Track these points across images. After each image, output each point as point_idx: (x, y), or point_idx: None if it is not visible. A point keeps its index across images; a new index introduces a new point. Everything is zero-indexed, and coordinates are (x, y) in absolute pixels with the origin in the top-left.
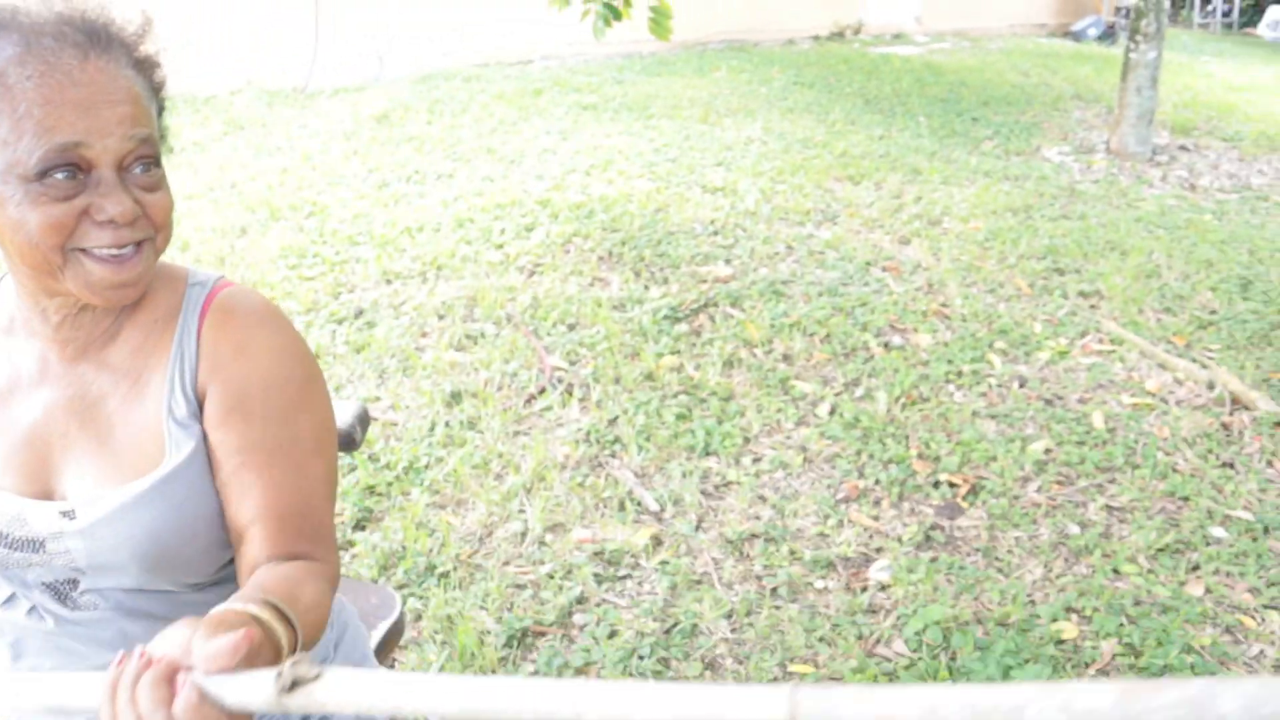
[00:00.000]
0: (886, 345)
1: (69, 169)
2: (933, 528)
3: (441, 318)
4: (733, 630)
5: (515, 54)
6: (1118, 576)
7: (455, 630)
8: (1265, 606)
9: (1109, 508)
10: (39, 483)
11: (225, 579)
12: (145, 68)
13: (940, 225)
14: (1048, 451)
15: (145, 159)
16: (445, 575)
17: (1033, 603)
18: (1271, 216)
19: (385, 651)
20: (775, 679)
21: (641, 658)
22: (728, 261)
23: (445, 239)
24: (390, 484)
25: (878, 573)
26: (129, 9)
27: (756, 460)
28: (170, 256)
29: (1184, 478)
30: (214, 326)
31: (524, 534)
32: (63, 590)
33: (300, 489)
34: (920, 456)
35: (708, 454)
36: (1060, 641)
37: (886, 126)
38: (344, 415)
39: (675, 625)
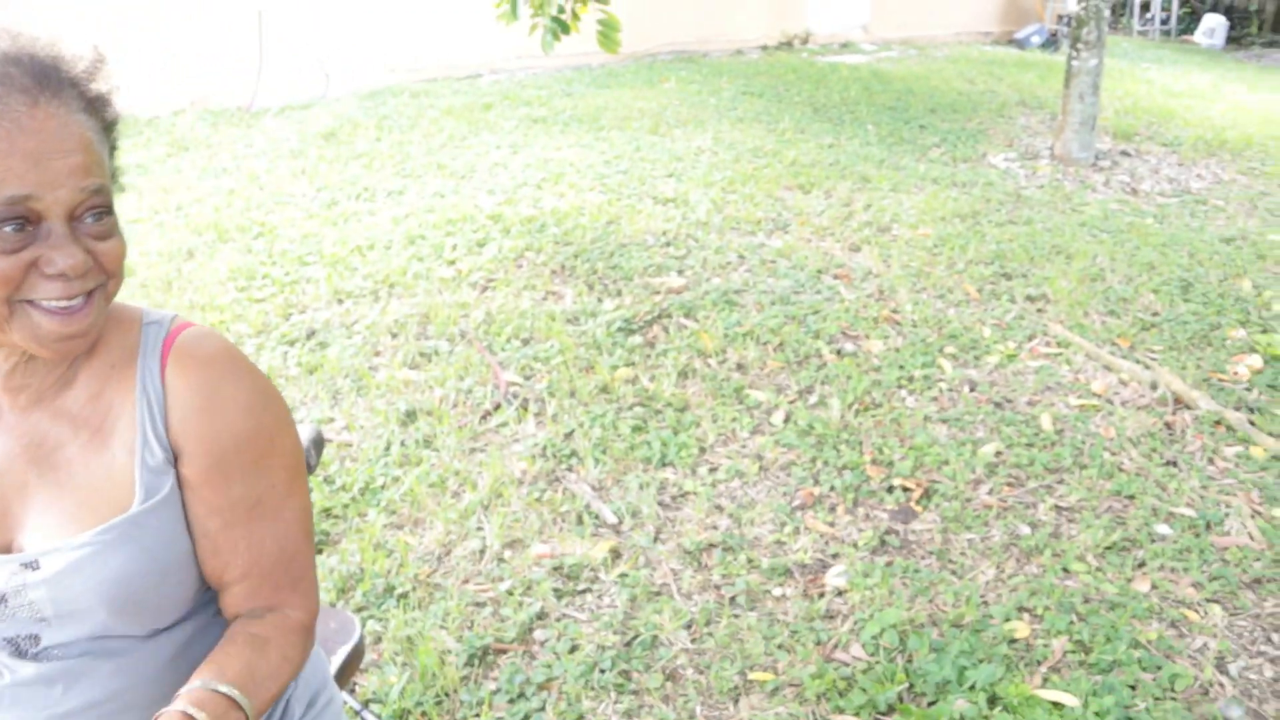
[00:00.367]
0: (839, 352)
1: (17, 222)
2: (887, 532)
3: (394, 336)
4: (693, 640)
5: (464, 68)
6: (1067, 575)
7: (416, 651)
8: (1208, 600)
9: (1058, 508)
10: None
11: (190, 616)
12: (97, 108)
13: (890, 232)
14: (998, 454)
15: (97, 208)
16: (404, 596)
17: (986, 603)
18: (1210, 219)
19: (345, 676)
20: (735, 688)
21: (603, 671)
22: (680, 272)
23: (396, 256)
24: (346, 506)
25: (834, 578)
26: (79, 41)
27: (713, 470)
28: None
29: (1129, 477)
30: (179, 373)
31: (482, 551)
32: (23, 645)
33: (281, 538)
34: (874, 462)
35: (664, 465)
36: (1013, 641)
37: (835, 135)
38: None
39: (635, 637)
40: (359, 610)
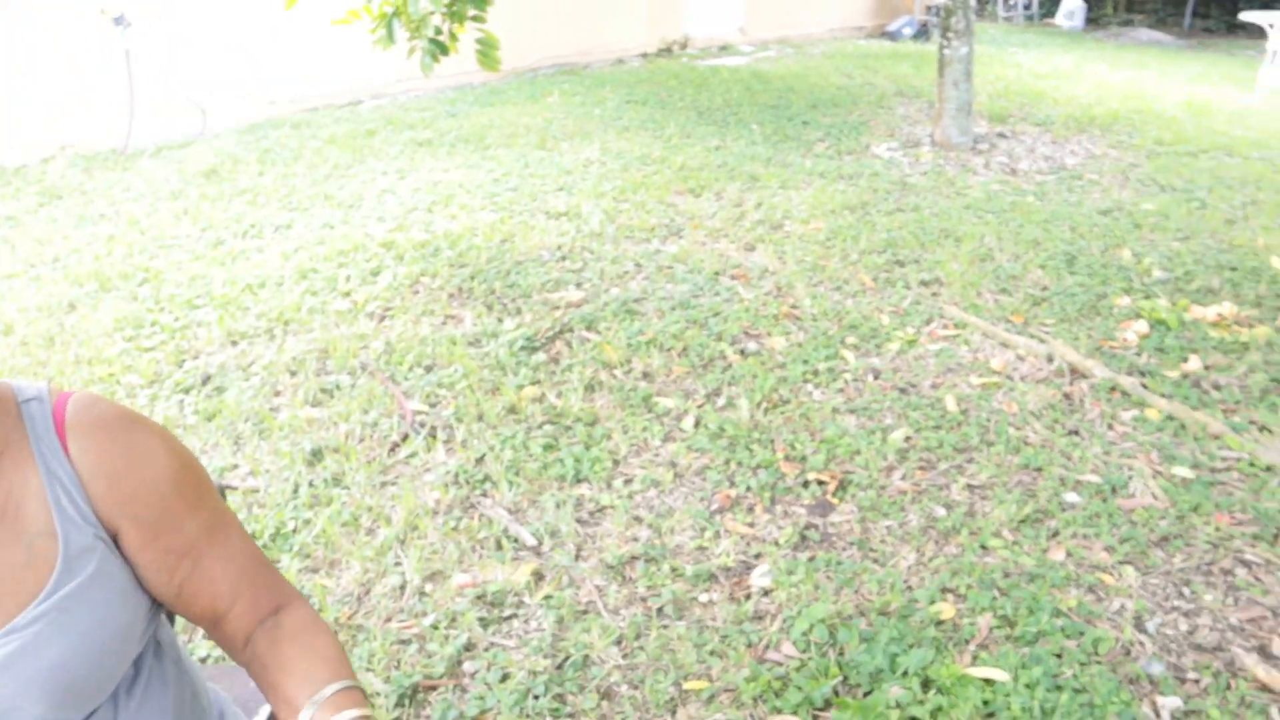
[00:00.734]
0: (743, 352)
1: None
2: (807, 527)
3: (293, 374)
4: (624, 656)
5: (344, 95)
6: (986, 552)
7: None
8: (1121, 563)
9: (970, 487)
10: None
11: (121, 687)
12: None
13: (782, 229)
14: (907, 439)
15: None
16: None
17: (910, 588)
18: (1087, 193)
19: None
20: (671, 699)
21: (536, 697)
22: (578, 285)
23: (289, 292)
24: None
25: (759, 579)
26: None
27: (628, 481)
28: None
29: (1035, 449)
30: (86, 448)
31: (403, 587)
32: None
33: (244, 546)
34: (787, 458)
35: (579, 481)
36: (940, 622)
37: (721, 137)
38: None
39: (567, 659)
40: None
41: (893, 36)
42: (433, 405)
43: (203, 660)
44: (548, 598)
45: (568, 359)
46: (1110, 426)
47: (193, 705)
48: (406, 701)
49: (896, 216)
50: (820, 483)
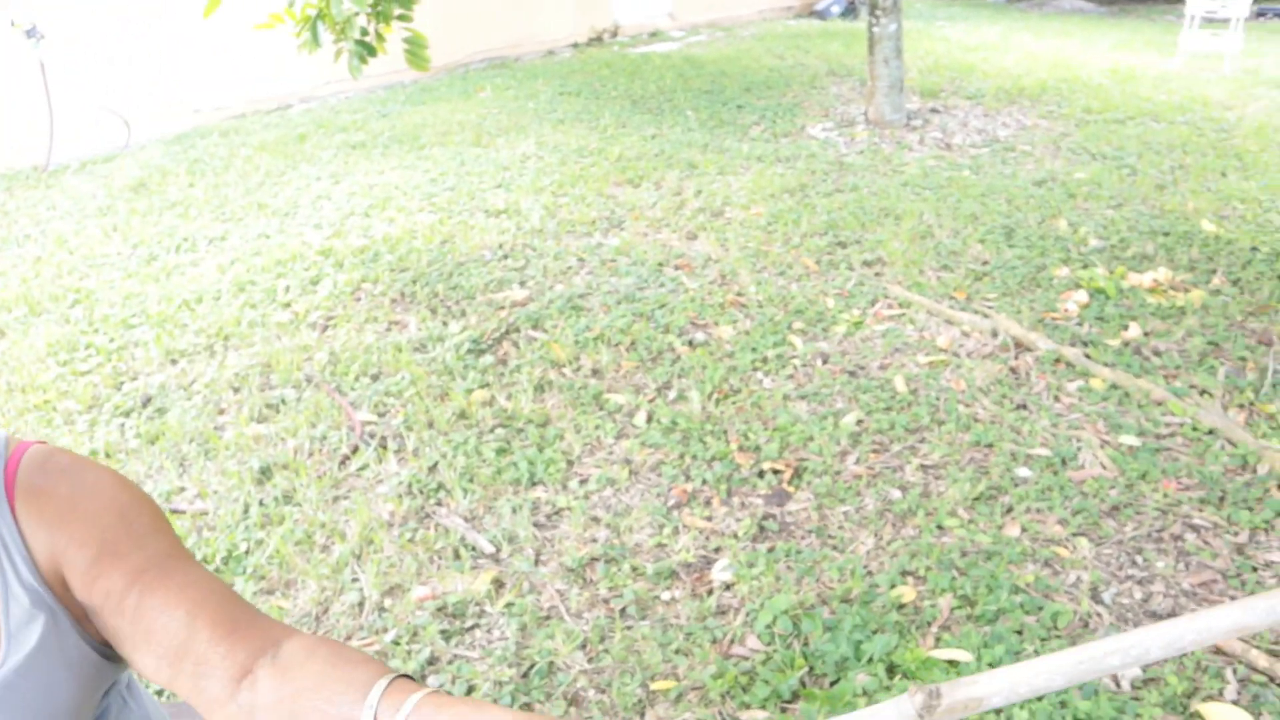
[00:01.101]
0: (691, 343)
1: None
2: (765, 518)
3: (237, 391)
4: (589, 660)
5: (272, 100)
6: (943, 532)
7: None
8: (1074, 534)
9: (924, 467)
10: None
11: None
12: None
13: (723, 216)
14: (859, 423)
15: None
16: None
17: (870, 573)
18: (1021, 165)
19: None
20: (639, 701)
21: None
22: (522, 284)
23: (228, 307)
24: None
25: (720, 573)
26: None
27: (583, 482)
28: None
29: (985, 426)
30: (31, 505)
31: (361, 603)
32: None
33: (208, 578)
34: (741, 449)
35: (534, 484)
36: (901, 606)
37: (657, 125)
38: None
39: (532, 667)
40: None
41: (821, 15)
42: (381, 415)
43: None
44: (509, 605)
45: (516, 360)
46: (1057, 398)
47: None
48: None
49: (836, 197)
50: (775, 472)
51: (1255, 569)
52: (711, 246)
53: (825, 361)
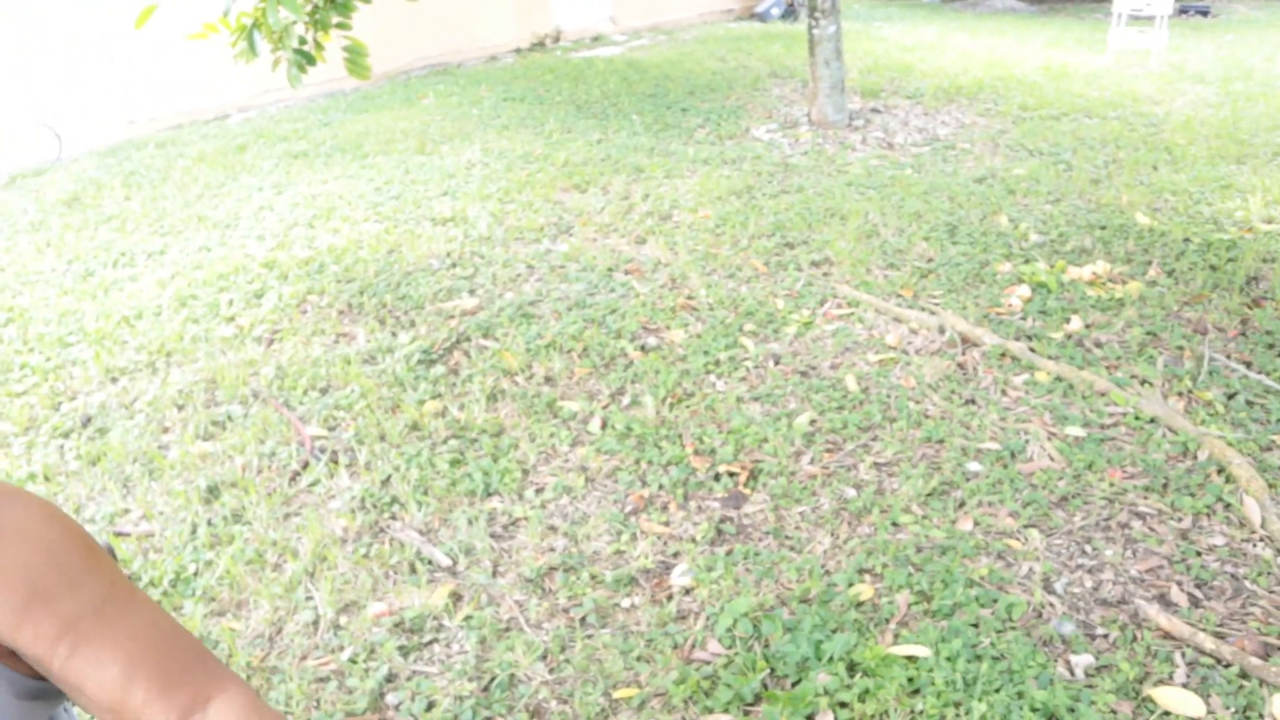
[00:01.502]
0: (643, 348)
1: None
2: (722, 521)
3: (181, 408)
4: (551, 671)
5: (210, 110)
6: (897, 529)
7: None
8: (1025, 526)
9: (877, 465)
10: None
11: None
12: None
13: (671, 219)
14: (812, 422)
15: None
16: None
17: (828, 572)
18: (961, 163)
19: None
20: (602, 710)
21: None
22: (471, 292)
23: (169, 322)
24: (159, 602)
25: (679, 578)
26: None
27: (539, 491)
28: None
29: (936, 422)
30: None
31: (316, 622)
32: None
33: (148, 625)
34: (697, 453)
35: (489, 495)
36: (859, 604)
37: (603, 130)
38: None
39: (493, 680)
40: None
41: (761, 18)
42: (332, 429)
43: None
44: (468, 618)
45: (467, 369)
46: (1004, 392)
47: None
48: None
49: (782, 199)
50: (731, 474)
51: (1199, 553)
52: (661, 250)
53: (777, 363)
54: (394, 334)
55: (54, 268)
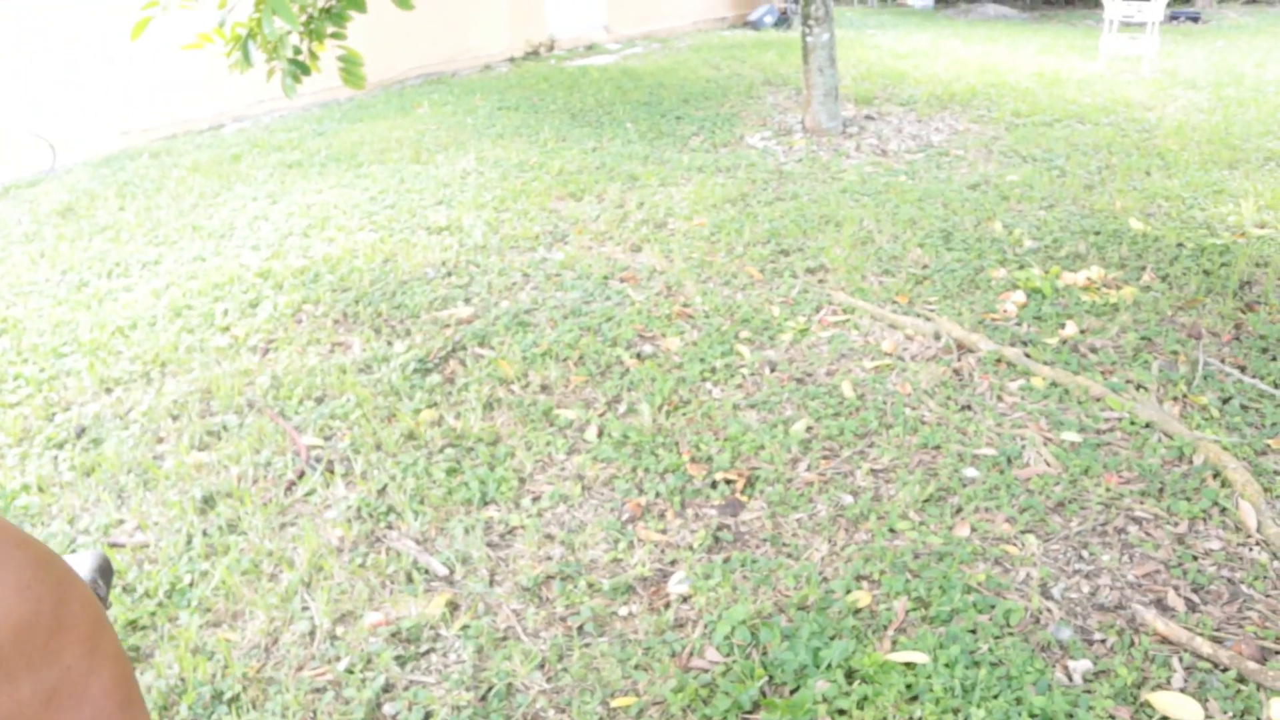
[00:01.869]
0: (639, 356)
1: None
2: (719, 528)
3: (176, 418)
4: (548, 680)
5: (204, 120)
6: (895, 535)
7: None
8: (1022, 532)
9: (874, 471)
10: None
11: None
12: None
13: (666, 227)
14: (809, 429)
15: None
16: (235, 699)
17: (825, 580)
18: (955, 169)
19: None
20: (600, 719)
21: None
22: (467, 301)
23: (164, 332)
24: (153, 613)
25: (677, 586)
26: None
27: (536, 499)
28: None
29: (932, 428)
30: None
31: (312, 632)
32: None
33: (97, 714)
34: (693, 460)
35: (486, 504)
36: (857, 611)
37: (597, 138)
38: (80, 571)
39: (490, 689)
40: None
41: (755, 25)
42: (327, 438)
43: None
44: (465, 628)
45: (463, 378)
46: (1000, 398)
47: None
48: None
49: (777, 206)
50: (728, 482)
51: (1196, 558)
52: (656, 258)
53: (773, 370)
54: (389, 343)
55: (48, 278)
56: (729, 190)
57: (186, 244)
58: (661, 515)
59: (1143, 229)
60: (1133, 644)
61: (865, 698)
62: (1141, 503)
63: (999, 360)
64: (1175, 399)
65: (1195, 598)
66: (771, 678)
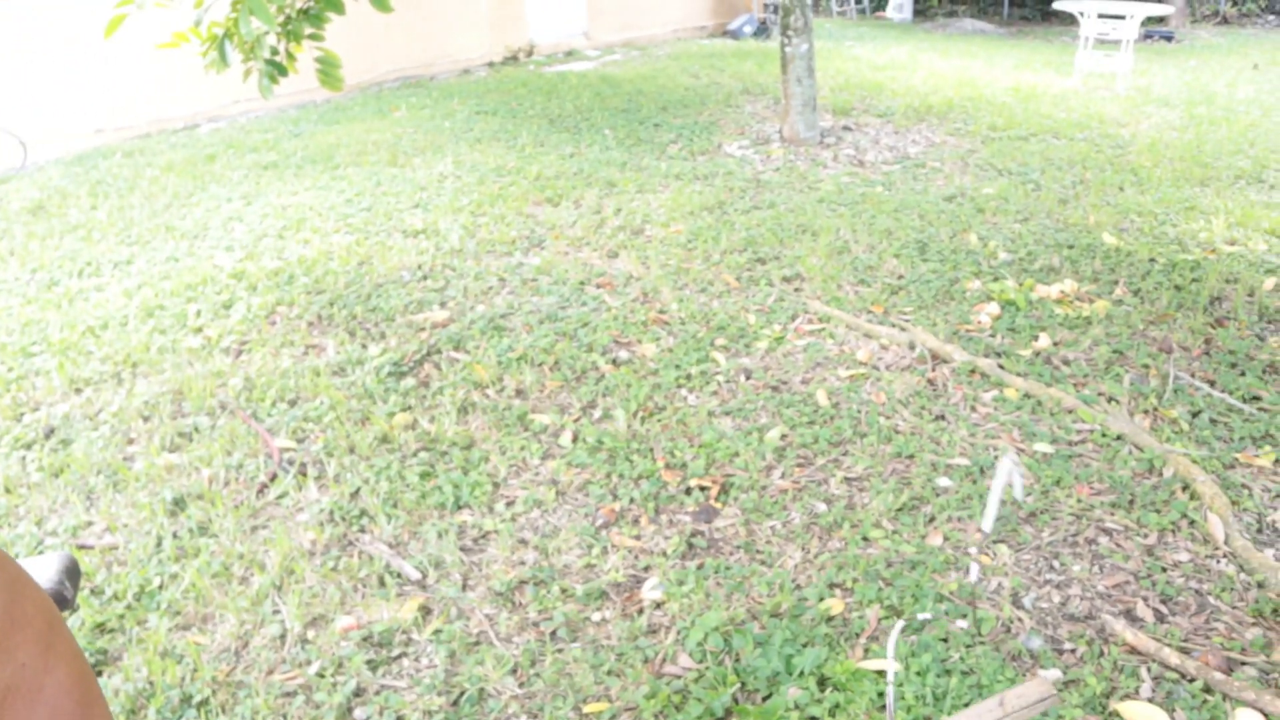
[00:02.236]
0: (614, 362)
1: None
2: (693, 535)
3: (147, 419)
4: (520, 685)
5: (179, 120)
6: (868, 543)
7: None
8: (995, 542)
9: (848, 479)
10: None
11: None
12: None
13: (643, 234)
14: (783, 437)
15: None
16: (204, 703)
17: (799, 587)
18: (931, 181)
19: None
20: None
21: None
22: (443, 304)
23: (135, 332)
24: (122, 616)
25: (650, 592)
26: None
27: (510, 504)
28: None
29: (906, 437)
30: None
31: (283, 636)
32: None
33: (52, 715)
34: (668, 466)
35: (459, 508)
36: (830, 618)
37: (575, 144)
38: (46, 572)
39: (462, 695)
40: None
41: (734, 35)
42: (300, 441)
43: None
44: (437, 632)
45: (438, 382)
46: (973, 408)
47: None
48: None
49: (754, 214)
50: (702, 488)
51: (1165, 569)
52: (632, 264)
53: (748, 377)
54: (364, 346)
55: (17, 277)
56: (706, 198)
57: (159, 244)
58: (635, 521)
59: (1116, 244)
60: (1102, 654)
61: (837, 705)
62: (1112, 514)
63: (973, 371)
64: (1146, 412)
65: (1164, 609)
66: (744, 684)
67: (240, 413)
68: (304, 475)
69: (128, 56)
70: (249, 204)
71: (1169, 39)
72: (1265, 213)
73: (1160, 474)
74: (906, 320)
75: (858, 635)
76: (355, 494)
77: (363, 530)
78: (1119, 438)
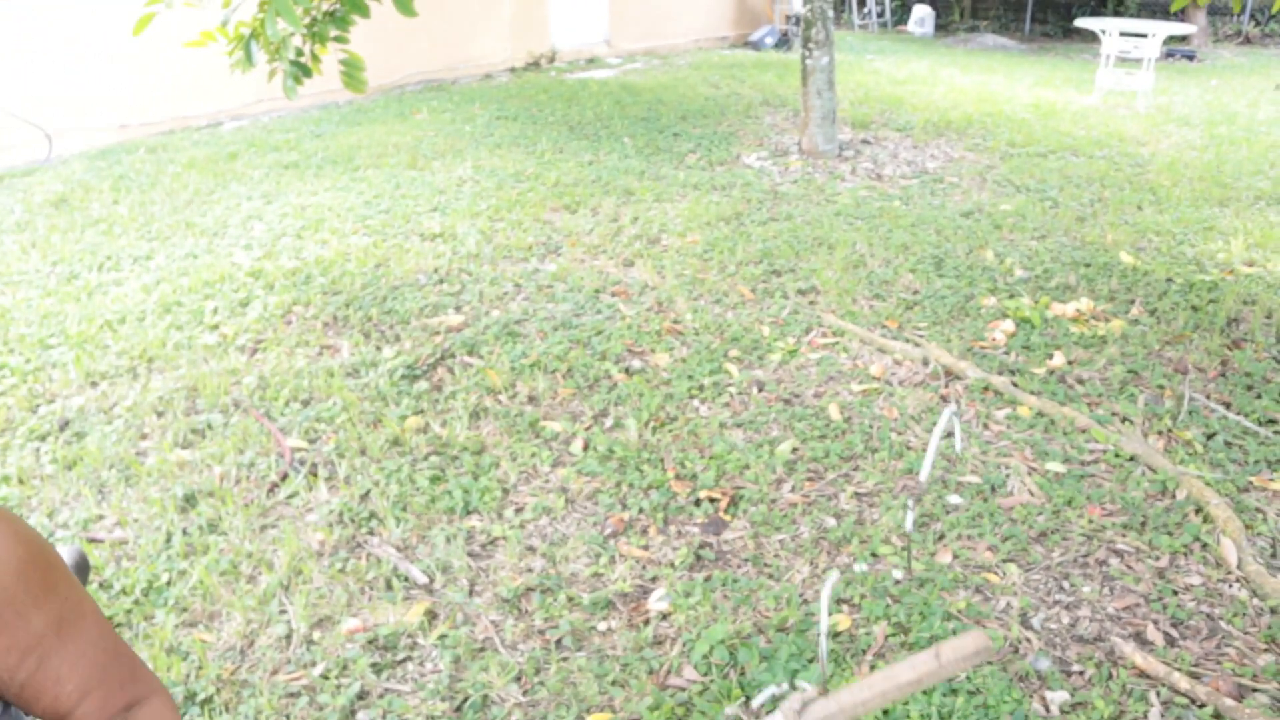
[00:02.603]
0: (627, 371)
1: None
2: (701, 546)
3: (160, 415)
4: (525, 693)
5: (202, 117)
6: (876, 560)
7: None
8: (1004, 561)
9: (858, 494)
10: None
11: None
12: None
13: (660, 243)
14: (795, 450)
15: None
16: (208, 701)
17: (806, 601)
18: (949, 197)
19: None
20: None
21: None
22: (458, 309)
23: (152, 328)
24: (129, 611)
25: (656, 603)
26: None
27: (519, 510)
28: None
29: (917, 454)
30: None
31: (289, 636)
32: None
33: (97, 640)
34: (678, 477)
35: (468, 513)
36: (837, 634)
37: (594, 151)
38: None
39: (465, 700)
40: None
41: (755, 46)
42: (312, 441)
43: None
44: (442, 637)
45: (451, 386)
46: (986, 426)
47: None
48: None
49: (771, 226)
50: (712, 500)
51: (1176, 592)
52: (648, 274)
53: (761, 390)
54: (378, 348)
55: (38, 269)
56: (723, 209)
57: (179, 240)
58: (644, 531)
59: (1133, 263)
60: (1111, 677)
61: None
62: (1123, 535)
63: (986, 388)
64: (1160, 433)
65: (1174, 632)
66: (748, 698)
67: (253, 411)
68: (315, 476)
69: (154, 53)
70: (269, 203)
71: (1190, 58)
72: None
73: (1173, 496)
74: (921, 336)
75: (864, 651)
76: (365, 496)
77: (371, 533)
78: (1132, 458)
